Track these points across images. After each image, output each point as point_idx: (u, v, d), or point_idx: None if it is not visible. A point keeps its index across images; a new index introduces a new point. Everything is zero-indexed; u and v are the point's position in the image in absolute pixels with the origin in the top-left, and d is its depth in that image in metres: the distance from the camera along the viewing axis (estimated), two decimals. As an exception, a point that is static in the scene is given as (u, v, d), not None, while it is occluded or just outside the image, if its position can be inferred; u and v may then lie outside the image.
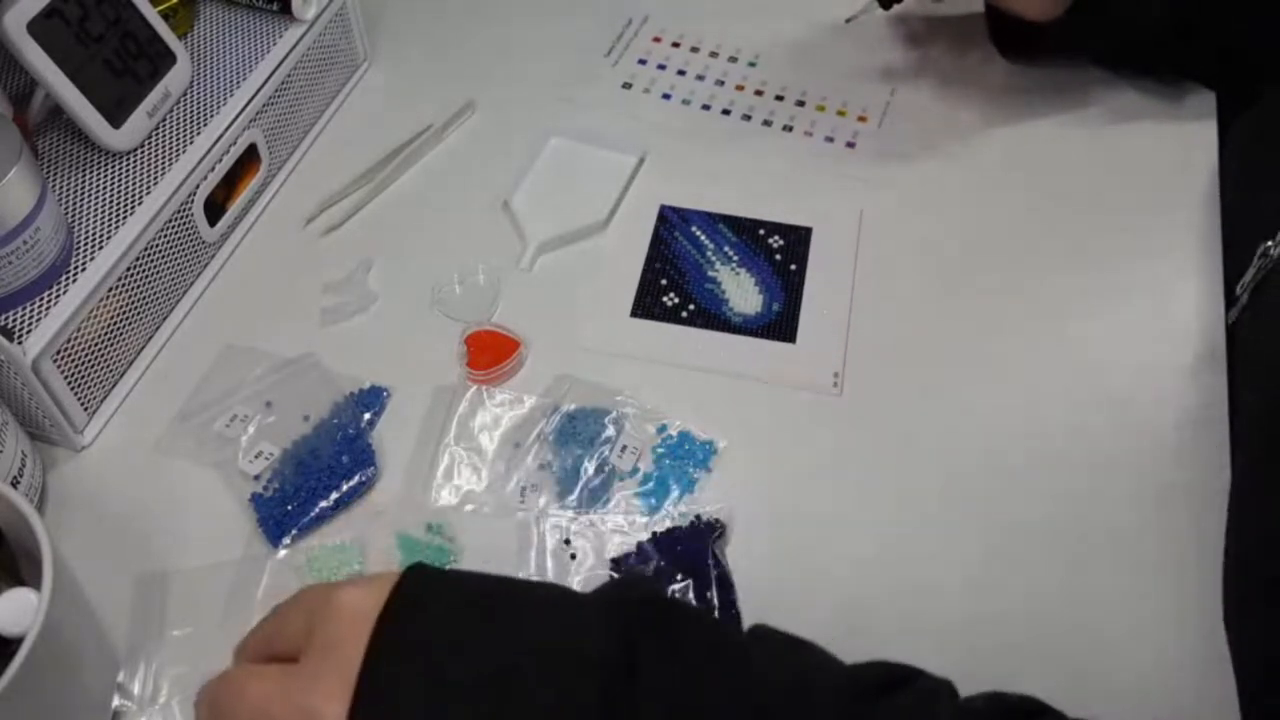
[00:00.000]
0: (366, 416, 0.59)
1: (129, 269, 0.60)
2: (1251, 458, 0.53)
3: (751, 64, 0.80)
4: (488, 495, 0.57)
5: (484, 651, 0.36)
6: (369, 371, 0.61)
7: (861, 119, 0.76)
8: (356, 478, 0.57)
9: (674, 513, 0.55)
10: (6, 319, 0.55)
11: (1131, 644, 0.51)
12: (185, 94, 0.66)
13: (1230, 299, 0.63)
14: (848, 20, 0.79)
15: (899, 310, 0.65)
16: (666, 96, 0.78)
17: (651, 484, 0.57)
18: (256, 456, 0.57)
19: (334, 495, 0.56)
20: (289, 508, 0.55)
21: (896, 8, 0.77)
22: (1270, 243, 0.58)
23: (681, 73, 0.80)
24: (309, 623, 0.39)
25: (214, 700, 0.38)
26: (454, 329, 0.64)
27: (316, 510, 0.55)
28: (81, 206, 0.60)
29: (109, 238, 0.59)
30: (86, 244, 0.58)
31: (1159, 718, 0.49)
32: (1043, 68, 0.78)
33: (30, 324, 0.55)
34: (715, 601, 0.52)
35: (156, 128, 0.64)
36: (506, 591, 0.41)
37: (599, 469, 0.57)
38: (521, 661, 0.36)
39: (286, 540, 0.55)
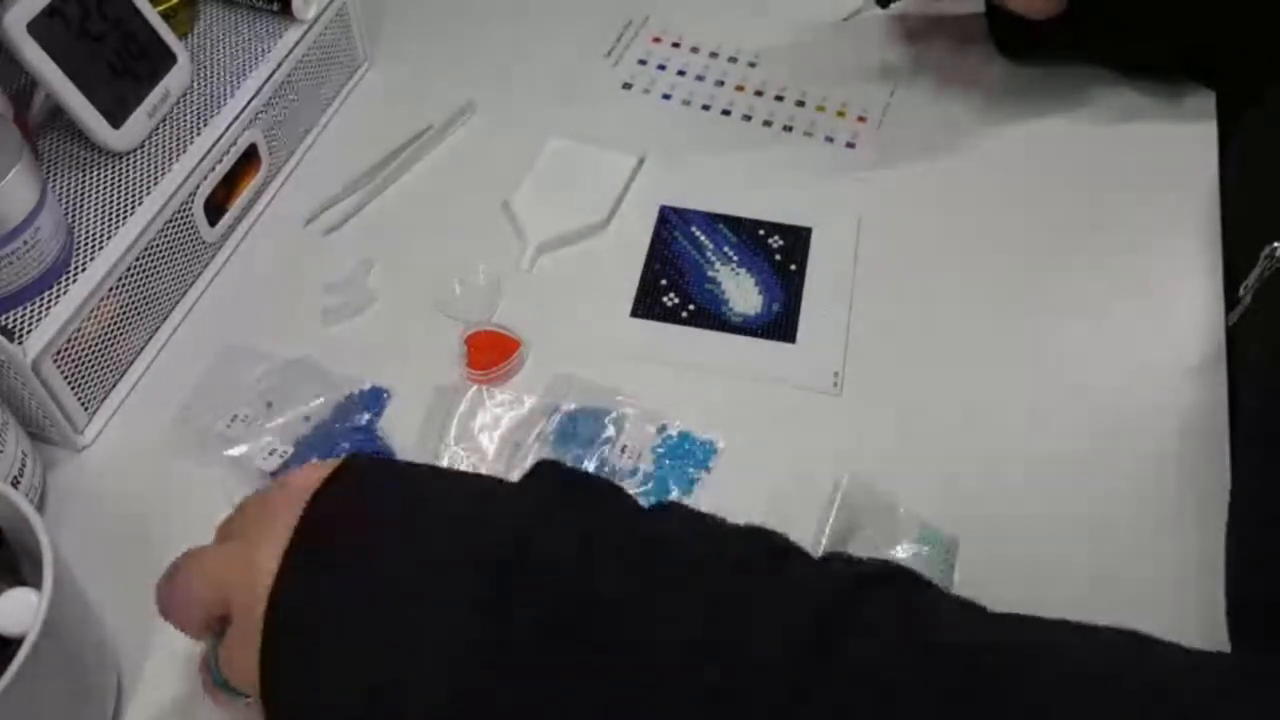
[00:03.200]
0: (367, 417, 0.59)
1: (129, 269, 0.60)
2: (1253, 461, 0.52)
3: (751, 64, 0.80)
4: (488, 495, 0.57)
5: (411, 531, 0.39)
6: (369, 371, 0.61)
7: (861, 119, 0.76)
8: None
9: (674, 513, 0.55)
10: (6, 319, 0.55)
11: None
12: (185, 94, 0.66)
13: (1231, 300, 0.63)
14: (845, 19, 0.80)
15: (899, 310, 0.65)
16: (666, 97, 0.78)
17: (651, 484, 0.57)
18: (270, 454, 0.58)
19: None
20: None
21: (895, 6, 0.77)
22: (1277, 244, 0.57)
23: (681, 73, 0.80)
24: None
25: (170, 577, 0.42)
26: (454, 329, 0.64)
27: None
28: (81, 206, 0.60)
29: (109, 238, 0.59)
30: (86, 244, 0.58)
31: None
32: (1043, 68, 0.78)
33: (30, 324, 0.55)
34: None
35: (156, 128, 0.64)
36: (442, 476, 0.45)
37: (599, 469, 0.57)
38: (440, 535, 0.38)
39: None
